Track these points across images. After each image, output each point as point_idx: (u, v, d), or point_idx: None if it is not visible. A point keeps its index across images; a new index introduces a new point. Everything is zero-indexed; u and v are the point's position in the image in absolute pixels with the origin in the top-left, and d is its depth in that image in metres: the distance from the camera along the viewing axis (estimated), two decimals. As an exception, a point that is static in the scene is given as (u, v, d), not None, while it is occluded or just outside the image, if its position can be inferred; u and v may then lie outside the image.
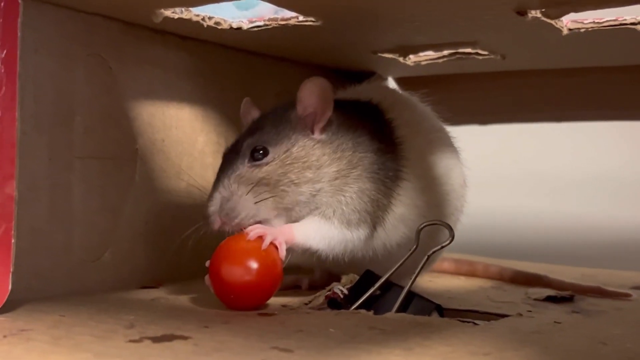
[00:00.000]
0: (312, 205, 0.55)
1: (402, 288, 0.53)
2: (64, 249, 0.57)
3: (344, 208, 0.55)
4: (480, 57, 0.71)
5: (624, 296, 0.63)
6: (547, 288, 0.65)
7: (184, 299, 0.56)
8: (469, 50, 0.70)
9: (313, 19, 0.59)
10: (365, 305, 0.52)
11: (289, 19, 0.60)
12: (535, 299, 0.61)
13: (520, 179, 1.15)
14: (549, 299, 0.61)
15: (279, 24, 0.61)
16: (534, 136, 1.11)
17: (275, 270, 0.52)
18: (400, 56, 0.73)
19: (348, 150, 0.56)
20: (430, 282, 0.70)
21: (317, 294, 0.56)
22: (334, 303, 0.54)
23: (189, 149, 0.67)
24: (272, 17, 0.61)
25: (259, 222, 0.54)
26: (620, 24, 0.58)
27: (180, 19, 0.58)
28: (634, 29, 0.58)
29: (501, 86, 0.85)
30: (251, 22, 0.61)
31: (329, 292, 0.55)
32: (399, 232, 0.58)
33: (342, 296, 0.54)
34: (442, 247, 0.55)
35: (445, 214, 0.62)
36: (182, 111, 0.67)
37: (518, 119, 0.91)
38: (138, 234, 0.63)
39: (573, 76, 0.80)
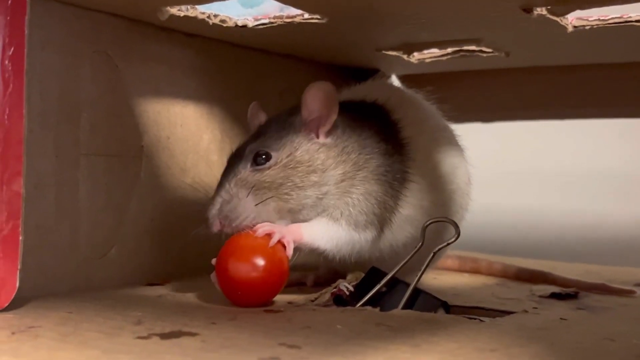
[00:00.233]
0: (320, 208, 0.55)
1: (407, 285, 0.53)
2: (70, 246, 0.57)
3: (352, 210, 0.55)
4: (485, 55, 0.71)
5: (629, 293, 0.63)
6: (551, 285, 0.65)
7: (190, 296, 0.56)
8: (473, 47, 0.70)
9: (318, 17, 0.59)
10: (371, 302, 0.52)
11: (294, 16, 0.60)
12: (540, 296, 0.61)
13: (524, 177, 1.15)
14: (554, 295, 0.61)
15: (284, 22, 0.61)
16: (538, 133, 1.11)
17: (281, 268, 0.52)
18: (404, 54, 0.73)
19: (354, 153, 0.56)
20: (435, 279, 0.70)
21: (323, 291, 0.56)
22: (339, 300, 0.54)
23: (194, 147, 0.68)
24: (277, 14, 0.61)
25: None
26: (626, 22, 0.58)
27: (186, 16, 0.58)
28: (639, 27, 0.58)
29: (505, 83, 0.85)
30: (256, 19, 0.61)
31: (334, 289, 0.55)
32: (406, 232, 0.58)
33: (347, 293, 0.54)
34: (448, 244, 0.55)
35: (451, 212, 0.62)
36: (188, 108, 0.67)
37: (522, 117, 0.91)
38: (144, 231, 0.63)
39: (578, 73, 0.80)
